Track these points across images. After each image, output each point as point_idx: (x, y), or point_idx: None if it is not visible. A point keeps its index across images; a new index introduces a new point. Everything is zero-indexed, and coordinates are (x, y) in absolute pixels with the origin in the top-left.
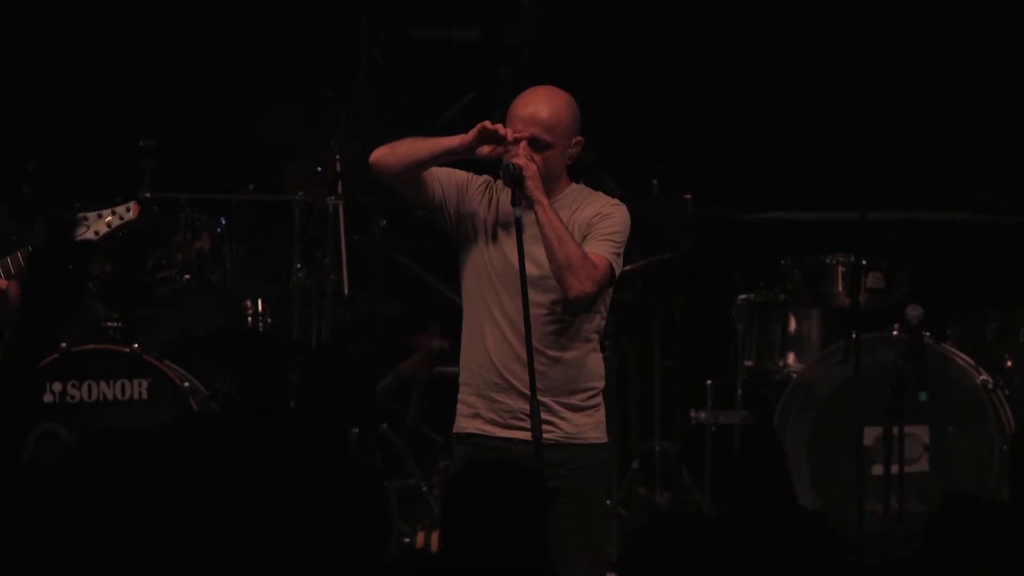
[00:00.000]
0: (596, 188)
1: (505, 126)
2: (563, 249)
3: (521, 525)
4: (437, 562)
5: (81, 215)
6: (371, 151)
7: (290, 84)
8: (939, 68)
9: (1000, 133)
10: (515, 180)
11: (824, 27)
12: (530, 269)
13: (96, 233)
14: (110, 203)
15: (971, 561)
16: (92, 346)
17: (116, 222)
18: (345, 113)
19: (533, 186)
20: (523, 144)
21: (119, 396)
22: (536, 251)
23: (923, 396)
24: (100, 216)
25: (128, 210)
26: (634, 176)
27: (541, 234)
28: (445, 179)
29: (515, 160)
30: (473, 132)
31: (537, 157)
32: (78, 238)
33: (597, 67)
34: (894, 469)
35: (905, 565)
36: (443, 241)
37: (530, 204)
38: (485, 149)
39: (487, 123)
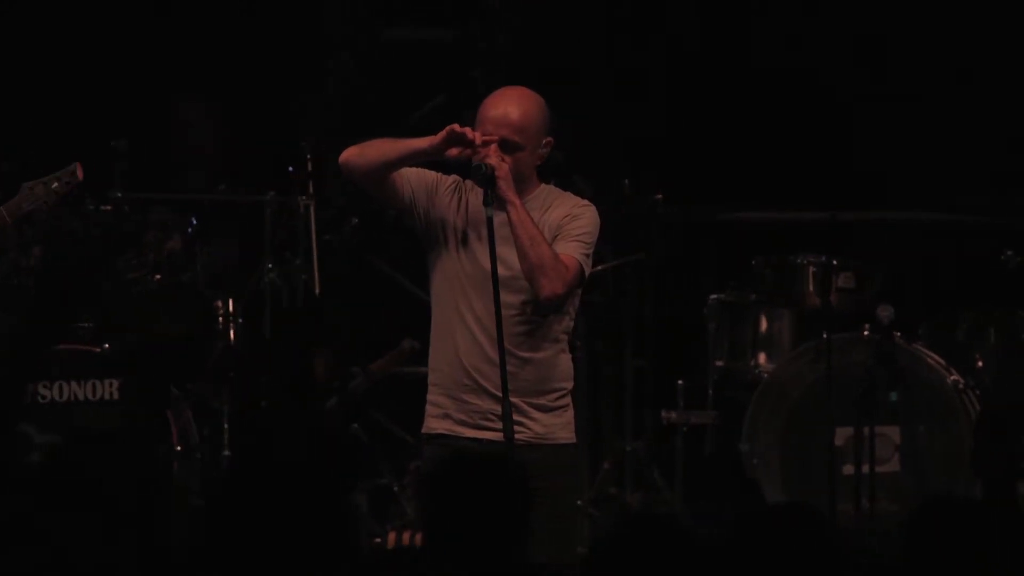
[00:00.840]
0: (566, 189)
1: (475, 127)
2: (535, 250)
3: (505, 520)
4: (421, 561)
5: (26, 185)
6: (343, 151)
7: (262, 84)
8: (909, 69)
9: (971, 133)
10: (487, 180)
11: (797, 29)
12: (500, 270)
13: (46, 203)
14: (53, 171)
15: (950, 561)
16: (63, 346)
17: (63, 188)
18: (317, 113)
19: (505, 186)
20: (493, 145)
21: (90, 396)
22: (506, 252)
23: (894, 396)
24: (45, 184)
25: (72, 173)
26: (606, 176)
27: (513, 234)
28: (414, 180)
29: (487, 160)
30: (442, 134)
31: (508, 158)
32: (28, 209)
33: (569, 67)
34: (865, 469)
35: (883, 566)
36: (414, 241)
37: (502, 204)
38: (454, 151)
39: (455, 126)
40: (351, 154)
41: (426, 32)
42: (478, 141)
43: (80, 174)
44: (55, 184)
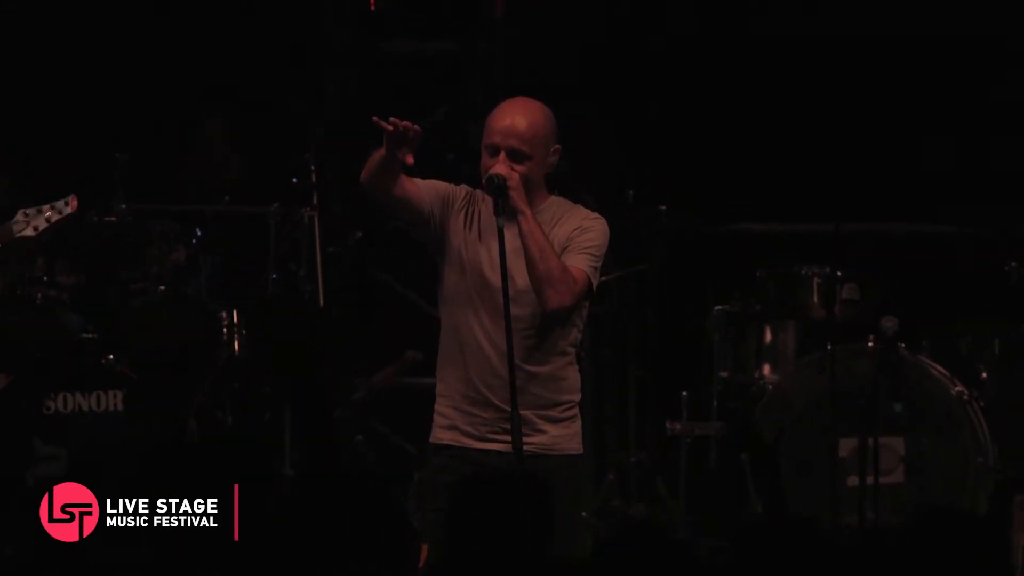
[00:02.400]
0: (572, 200)
1: (482, 139)
2: (544, 262)
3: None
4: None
5: (21, 211)
6: (345, 163)
7: (264, 96)
8: (914, 78)
9: (976, 145)
10: (498, 190)
11: (800, 40)
12: (509, 282)
13: (35, 229)
14: (50, 199)
15: (946, 572)
16: (67, 357)
17: (55, 216)
18: (319, 125)
19: (517, 196)
20: (502, 155)
21: (94, 407)
22: (516, 265)
23: (898, 407)
24: (40, 212)
25: (67, 204)
26: (609, 188)
27: (523, 245)
28: (430, 192)
29: (498, 170)
30: (385, 140)
31: (518, 168)
32: (18, 235)
33: (570, 78)
34: (869, 480)
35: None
36: (418, 253)
37: (512, 215)
38: (402, 156)
39: (375, 118)
40: (362, 175)
41: (427, 44)
42: (401, 127)
43: (74, 205)
44: (48, 212)
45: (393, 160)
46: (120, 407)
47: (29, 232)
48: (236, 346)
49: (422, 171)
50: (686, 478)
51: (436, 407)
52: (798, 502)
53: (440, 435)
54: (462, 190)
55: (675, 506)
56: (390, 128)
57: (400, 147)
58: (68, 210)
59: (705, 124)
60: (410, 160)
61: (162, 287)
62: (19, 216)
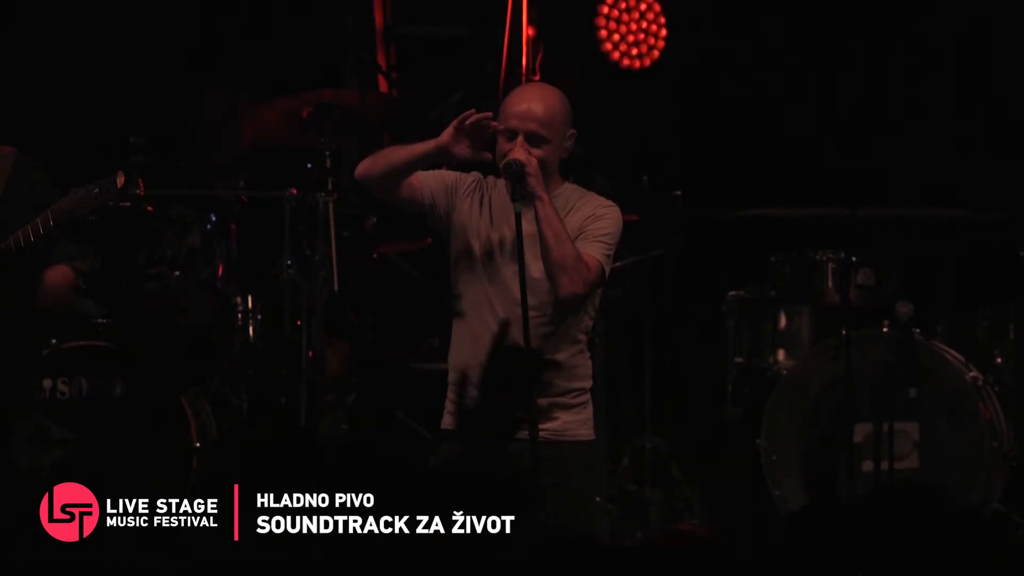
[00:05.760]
0: (587, 185)
1: (499, 124)
2: (560, 248)
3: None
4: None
5: (73, 190)
6: (360, 148)
7: (279, 81)
8: (930, 64)
9: (990, 130)
10: (516, 176)
11: (816, 22)
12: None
13: (85, 207)
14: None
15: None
16: (82, 343)
17: (103, 194)
18: (334, 110)
19: (535, 182)
20: (520, 139)
21: (109, 393)
22: (530, 253)
23: (913, 393)
24: (88, 189)
25: (114, 181)
26: (624, 173)
27: (539, 230)
28: (433, 182)
29: (516, 155)
30: (449, 130)
31: (536, 152)
32: (70, 212)
33: (586, 63)
34: (884, 466)
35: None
36: (432, 239)
37: (530, 200)
38: (464, 151)
39: (469, 113)
40: (364, 167)
41: (442, 28)
42: (497, 127)
43: (120, 182)
44: (96, 190)
45: (441, 155)
46: (135, 392)
47: (79, 209)
48: (251, 331)
49: None
50: (701, 463)
51: (448, 394)
52: (813, 487)
53: (451, 421)
54: (470, 177)
55: (690, 491)
56: (474, 119)
57: (466, 140)
58: (114, 187)
59: (720, 110)
60: (489, 155)
61: (177, 272)
62: (71, 194)
